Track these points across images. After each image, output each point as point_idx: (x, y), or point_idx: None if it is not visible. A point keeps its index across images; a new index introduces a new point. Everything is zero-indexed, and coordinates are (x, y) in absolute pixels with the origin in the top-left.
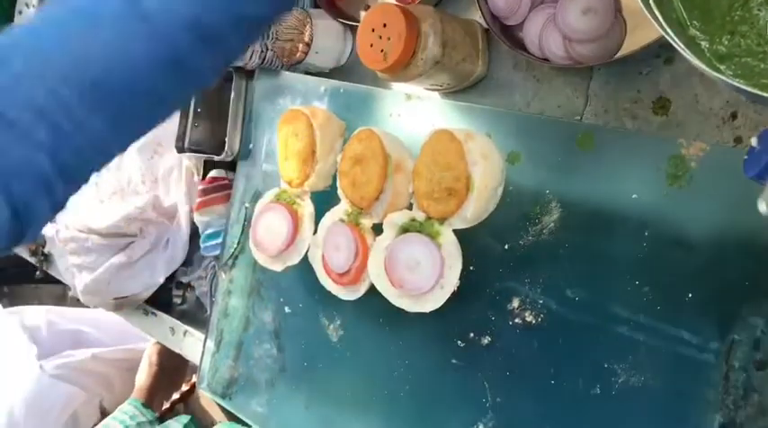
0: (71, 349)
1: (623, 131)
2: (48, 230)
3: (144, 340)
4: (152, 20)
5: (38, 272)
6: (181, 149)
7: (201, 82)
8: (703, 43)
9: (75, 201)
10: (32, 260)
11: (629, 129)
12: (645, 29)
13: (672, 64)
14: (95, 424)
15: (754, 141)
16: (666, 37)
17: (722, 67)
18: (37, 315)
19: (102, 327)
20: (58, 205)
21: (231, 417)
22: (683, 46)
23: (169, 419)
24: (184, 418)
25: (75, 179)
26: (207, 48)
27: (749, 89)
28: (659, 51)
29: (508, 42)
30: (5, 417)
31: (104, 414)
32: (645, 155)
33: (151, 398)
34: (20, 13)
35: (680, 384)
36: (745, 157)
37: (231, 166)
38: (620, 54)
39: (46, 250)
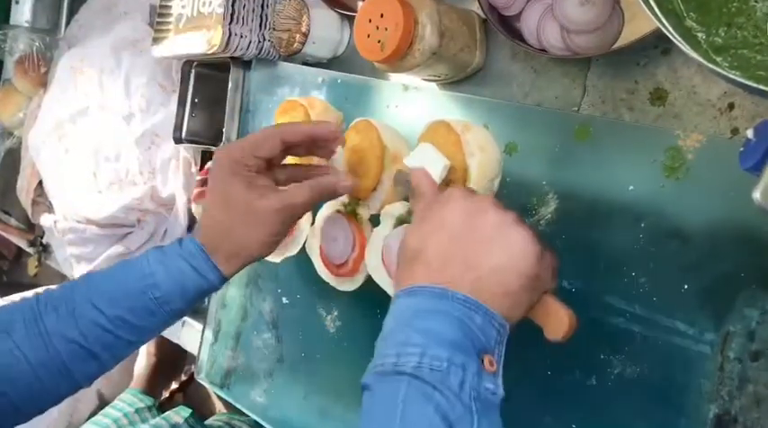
0: None
1: (620, 122)
2: (46, 221)
3: None
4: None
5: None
6: (178, 140)
7: (76, 386)
8: (700, 35)
9: (73, 192)
10: (31, 250)
11: (626, 121)
12: (642, 20)
13: (669, 55)
14: (93, 412)
15: (750, 133)
16: (663, 29)
17: (719, 59)
18: None
19: None
20: None
21: (230, 407)
22: (679, 37)
23: (170, 410)
24: (185, 411)
25: None
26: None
27: (745, 81)
28: (657, 42)
29: (506, 33)
30: None
31: (102, 400)
32: (642, 146)
33: (150, 388)
34: (17, 2)
35: (675, 375)
36: (741, 149)
37: None
38: (617, 45)
39: (44, 241)
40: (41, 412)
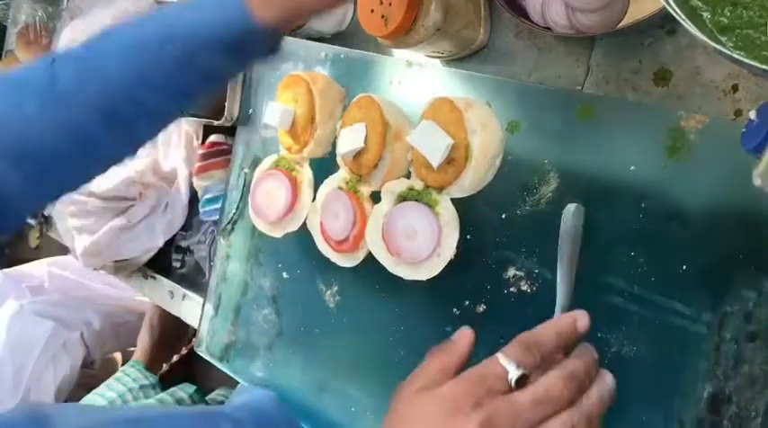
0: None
1: (623, 102)
2: None
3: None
4: (66, 98)
5: None
6: (180, 113)
7: (108, 158)
8: (705, 14)
9: None
10: (32, 222)
11: (629, 101)
12: None
13: (674, 35)
14: (82, 358)
15: (752, 114)
16: (668, 7)
17: (723, 39)
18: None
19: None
20: None
21: (229, 382)
22: (684, 16)
23: (175, 387)
24: (189, 388)
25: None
26: (112, 130)
27: (750, 61)
28: (662, 22)
29: (510, 10)
30: None
31: (87, 349)
32: (644, 126)
33: (153, 361)
34: None
35: (671, 354)
36: (744, 130)
37: (231, 131)
38: (622, 24)
39: (46, 212)
40: (60, 194)
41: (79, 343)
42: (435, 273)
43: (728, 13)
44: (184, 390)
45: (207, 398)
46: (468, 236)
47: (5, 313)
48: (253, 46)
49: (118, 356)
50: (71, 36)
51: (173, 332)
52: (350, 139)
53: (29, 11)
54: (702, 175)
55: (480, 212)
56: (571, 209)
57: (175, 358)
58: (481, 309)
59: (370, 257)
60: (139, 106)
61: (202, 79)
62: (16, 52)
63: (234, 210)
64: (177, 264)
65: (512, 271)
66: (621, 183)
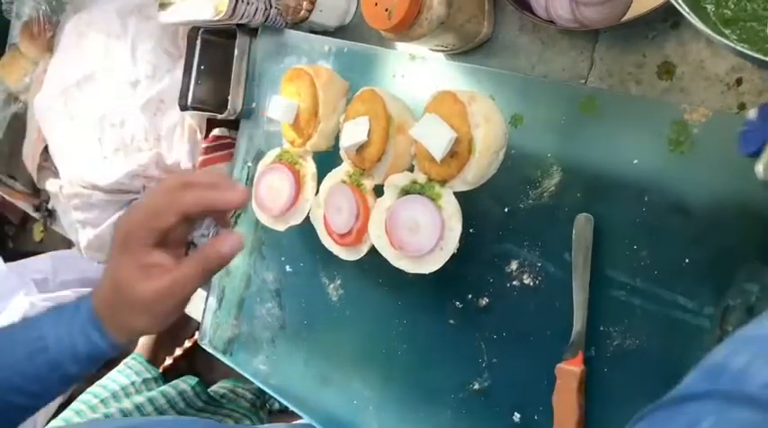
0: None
1: (627, 96)
2: (52, 186)
3: None
4: None
5: None
6: (184, 107)
7: None
8: (709, 7)
9: (78, 158)
10: (36, 215)
11: (632, 94)
12: None
13: (678, 28)
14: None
15: (752, 113)
16: (672, 0)
17: (727, 32)
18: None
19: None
20: None
21: (233, 374)
22: (688, 9)
23: (178, 379)
24: (191, 380)
25: None
26: None
27: (753, 54)
28: (666, 15)
29: (514, 4)
30: None
31: None
32: (647, 120)
33: (155, 354)
34: None
35: (674, 348)
36: (743, 129)
37: (234, 125)
38: (626, 17)
39: (50, 206)
40: None
41: None
42: (438, 267)
43: (732, 6)
44: (186, 382)
45: (209, 390)
46: (471, 230)
47: (18, 310)
48: (108, 356)
49: None
50: (75, 29)
51: (175, 325)
52: (353, 133)
53: (32, 4)
54: (705, 169)
55: (483, 206)
56: (581, 219)
57: (178, 351)
58: (484, 303)
59: (373, 251)
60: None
61: (61, 384)
62: (20, 46)
63: None
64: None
65: (514, 265)
66: (624, 177)
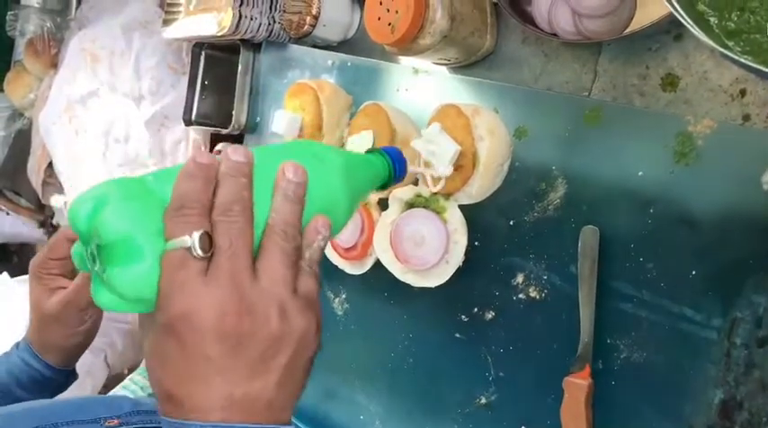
0: None
1: (631, 108)
2: (56, 202)
3: None
4: None
5: None
6: (188, 122)
7: None
8: (712, 19)
9: (83, 174)
10: (41, 231)
11: (636, 106)
12: (655, 4)
13: (681, 40)
14: (105, 384)
15: None
16: (675, 12)
17: (731, 44)
18: None
19: None
20: None
21: None
22: (691, 22)
23: None
24: None
25: None
26: None
27: (757, 66)
28: (669, 27)
29: (517, 17)
30: None
31: (109, 368)
32: (652, 131)
33: None
34: None
35: (682, 360)
36: None
37: (238, 139)
38: (629, 30)
39: (54, 221)
40: None
41: (103, 366)
42: (444, 280)
43: (735, 18)
44: None
45: None
46: (477, 243)
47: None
48: (55, 380)
49: None
50: (79, 45)
51: None
52: (357, 147)
53: (37, 21)
54: (711, 180)
55: (488, 219)
56: (587, 231)
57: None
58: (490, 316)
59: (378, 264)
60: None
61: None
62: (25, 62)
63: None
64: None
65: (520, 278)
66: (630, 189)
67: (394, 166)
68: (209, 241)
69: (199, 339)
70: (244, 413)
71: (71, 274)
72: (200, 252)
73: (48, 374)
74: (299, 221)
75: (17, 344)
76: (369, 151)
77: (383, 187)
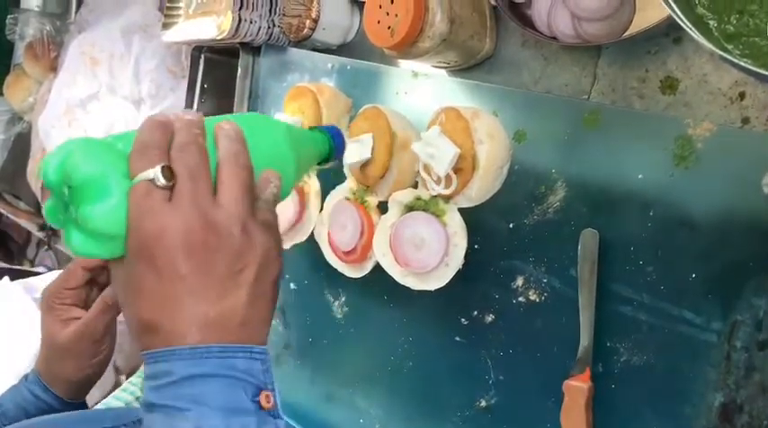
0: None
1: (630, 111)
2: None
3: None
4: None
5: None
6: None
7: None
8: (711, 22)
9: None
10: (40, 234)
11: (636, 109)
12: (654, 7)
13: (680, 43)
14: (113, 387)
15: None
16: (674, 16)
17: (730, 47)
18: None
19: None
20: None
21: None
22: (690, 25)
23: None
24: None
25: None
26: None
27: (756, 69)
28: (668, 30)
29: (516, 20)
30: None
31: (118, 371)
32: (652, 134)
33: None
34: None
35: (681, 363)
36: None
37: None
38: (628, 33)
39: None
40: None
41: (111, 370)
42: (443, 283)
43: (735, 21)
44: None
45: None
46: (476, 246)
47: (34, 344)
48: (57, 409)
49: None
50: (79, 49)
51: None
52: (357, 150)
53: (36, 25)
54: (710, 183)
55: (488, 222)
56: (587, 234)
57: None
58: (490, 319)
59: (377, 268)
60: None
61: None
62: (24, 66)
63: None
64: None
65: (520, 281)
66: (630, 192)
67: (334, 143)
68: (170, 172)
69: (169, 257)
70: (219, 332)
71: (85, 304)
72: (162, 180)
73: (57, 407)
74: (247, 155)
75: (26, 376)
76: (311, 128)
77: (324, 162)
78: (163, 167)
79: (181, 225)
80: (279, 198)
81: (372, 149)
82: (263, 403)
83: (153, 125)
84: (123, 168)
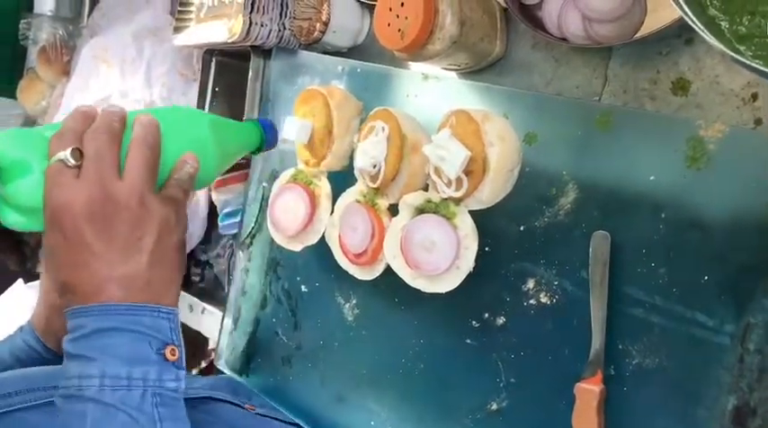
0: None
1: (642, 112)
2: None
3: None
4: None
5: None
6: None
7: None
8: (723, 23)
9: None
10: None
11: (647, 110)
12: (665, 8)
13: (692, 44)
14: None
15: None
16: (685, 17)
17: (742, 48)
18: None
19: None
20: None
21: None
22: (702, 26)
23: None
24: None
25: None
26: None
27: None
28: (679, 31)
29: (527, 22)
30: None
31: None
32: (663, 136)
33: None
34: None
35: (694, 366)
36: None
37: None
38: (639, 34)
39: None
40: None
41: None
42: (454, 286)
43: (747, 23)
44: None
45: None
46: (487, 249)
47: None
48: (54, 363)
49: None
50: (91, 53)
51: (192, 344)
52: (368, 154)
53: (49, 29)
54: (723, 185)
55: (499, 224)
56: (598, 236)
57: (194, 372)
58: (501, 322)
59: (388, 270)
60: None
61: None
62: (37, 70)
63: (253, 224)
64: (196, 278)
65: (531, 283)
66: (641, 194)
67: (266, 134)
68: (80, 154)
69: (75, 226)
70: (125, 291)
71: None
72: (72, 161)
73: (48, 357)
74: (155, 139)
75: (21, 327)
76: (246, 120)
77: (257, 151)
78: (73, 149)
79: (84, 197)
80: (194, 178)
81: (387, 152)
82: (168, 355)
83: (76, 114)
84: (45, 151)
